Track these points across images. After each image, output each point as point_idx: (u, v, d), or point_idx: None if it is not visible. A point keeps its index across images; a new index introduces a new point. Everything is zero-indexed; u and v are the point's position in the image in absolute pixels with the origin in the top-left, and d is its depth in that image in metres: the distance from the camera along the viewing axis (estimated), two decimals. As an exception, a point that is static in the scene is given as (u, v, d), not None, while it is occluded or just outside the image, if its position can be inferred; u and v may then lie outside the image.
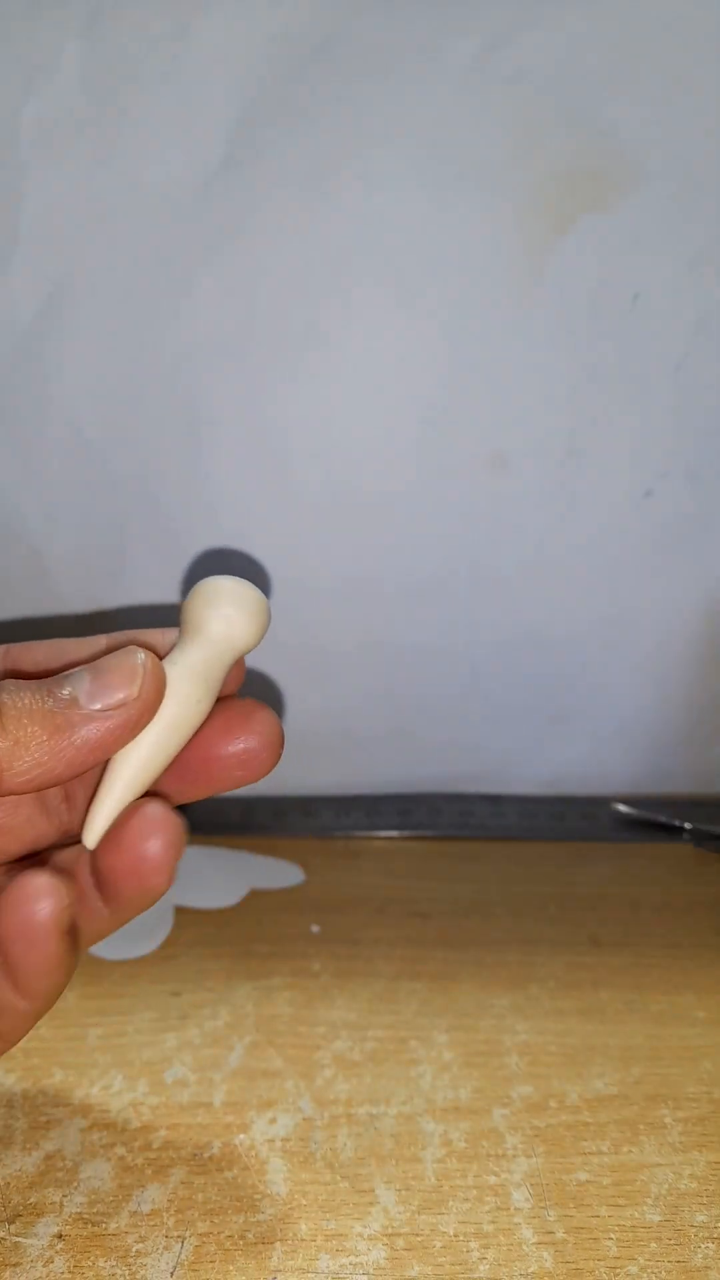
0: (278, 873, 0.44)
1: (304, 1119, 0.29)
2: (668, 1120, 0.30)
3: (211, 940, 0.39)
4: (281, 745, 0.27)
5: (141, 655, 0.24)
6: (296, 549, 0.39)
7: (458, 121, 0.33)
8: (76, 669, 0.25)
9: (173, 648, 0.26)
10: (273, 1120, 0.29)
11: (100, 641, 0.28)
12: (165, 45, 0.33)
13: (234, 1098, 0.30)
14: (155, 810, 0.25)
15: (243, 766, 0.26)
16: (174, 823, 0.25)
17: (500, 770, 0.48)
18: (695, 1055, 0.32)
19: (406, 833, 0.48)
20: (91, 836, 0.25)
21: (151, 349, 0.36)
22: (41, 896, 0.24)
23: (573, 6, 0.32)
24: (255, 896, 0.42)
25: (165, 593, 0.40)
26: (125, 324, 0.35)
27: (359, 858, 0.46)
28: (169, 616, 0.41)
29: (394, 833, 0.48)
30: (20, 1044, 0.32)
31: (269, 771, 0.26)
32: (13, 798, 0.27)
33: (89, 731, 0.23)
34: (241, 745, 0.26)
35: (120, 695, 0.24)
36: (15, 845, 0.28)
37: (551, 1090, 0.31)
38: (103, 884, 0.25)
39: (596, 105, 0.33)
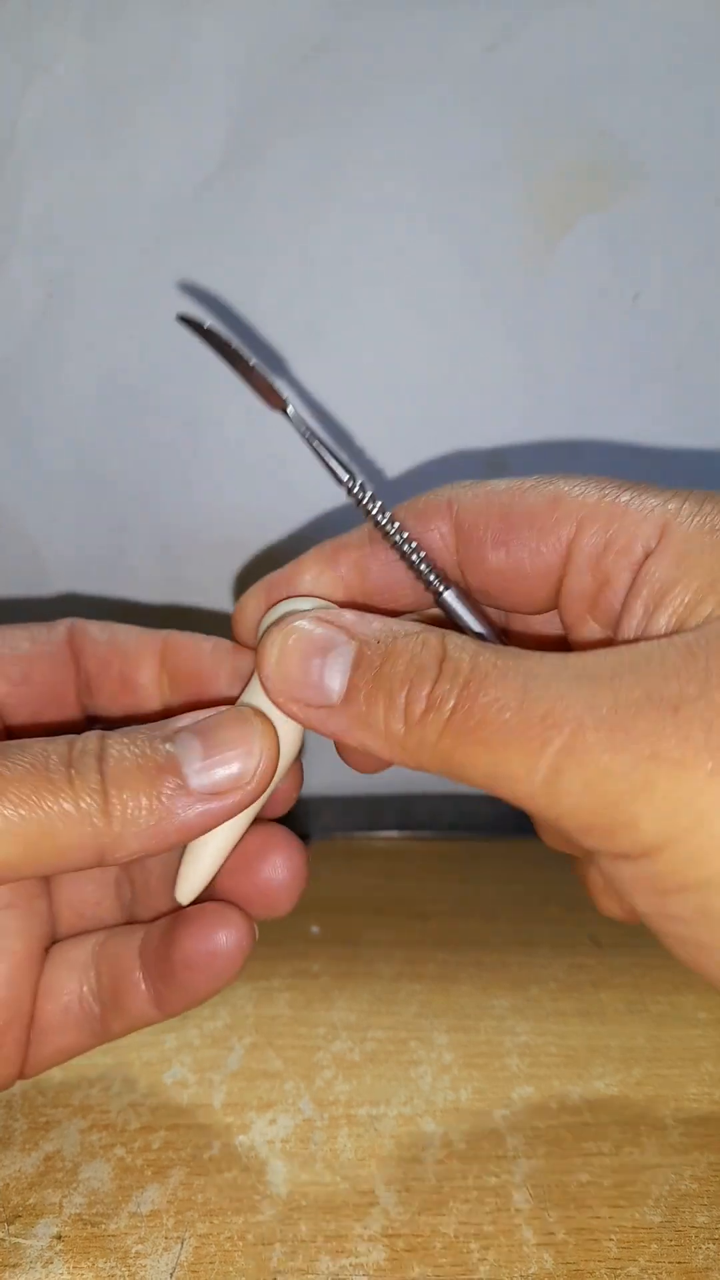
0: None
1: (304, 1120, 0.29)
2: (669, 1121, 0.29)
3: (211, 941, 0.39)
4: (304, 880, 0.26)
5: (258, 727, 0.22)
6: (296, 549, 0.39)
7: (458, 121, 0.33)
8: (185, 721, 0.22)
9: (248, 679, 0.24)
10: (273, 1121, 0.29)
11: (157, 640, 0.27)
12: (165, 45, 0.33)
13: (234, 1099, 0.30)
14: (277, 833, 0.26)
15: (264, 898, 0.26)
16: (297, 844, 0.26)
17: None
18: (696, 1056, 0.32)
19: (406, 833, 0.48)
20: (186, 894, 0.24)
21: (151, 347, 0.36)
22: (232, 928, 0.24)
23: (573, 6, 0.32)
24: (255, 897, 0.42)
25: (165, 593, 0.40)
26: (125, 322, 0.35)
27: (359, 858, 0.46)
28: (169, 617, 0.41)
29: (394, 833, 0.48)
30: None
31: (287, 911, 0.26)
32: (81, 875, 0.27)
33: (194, 815, 0.21)
34: (265, 875, 0.25)
35: (235, 771, 0.22)
36: (79, 922, 0.28)
37: (552, 1091, 0.31)
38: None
39: (597, 105, 0.33)
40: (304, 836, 0.47)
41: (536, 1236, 0.25)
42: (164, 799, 0.21)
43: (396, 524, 0.23)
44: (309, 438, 0.24)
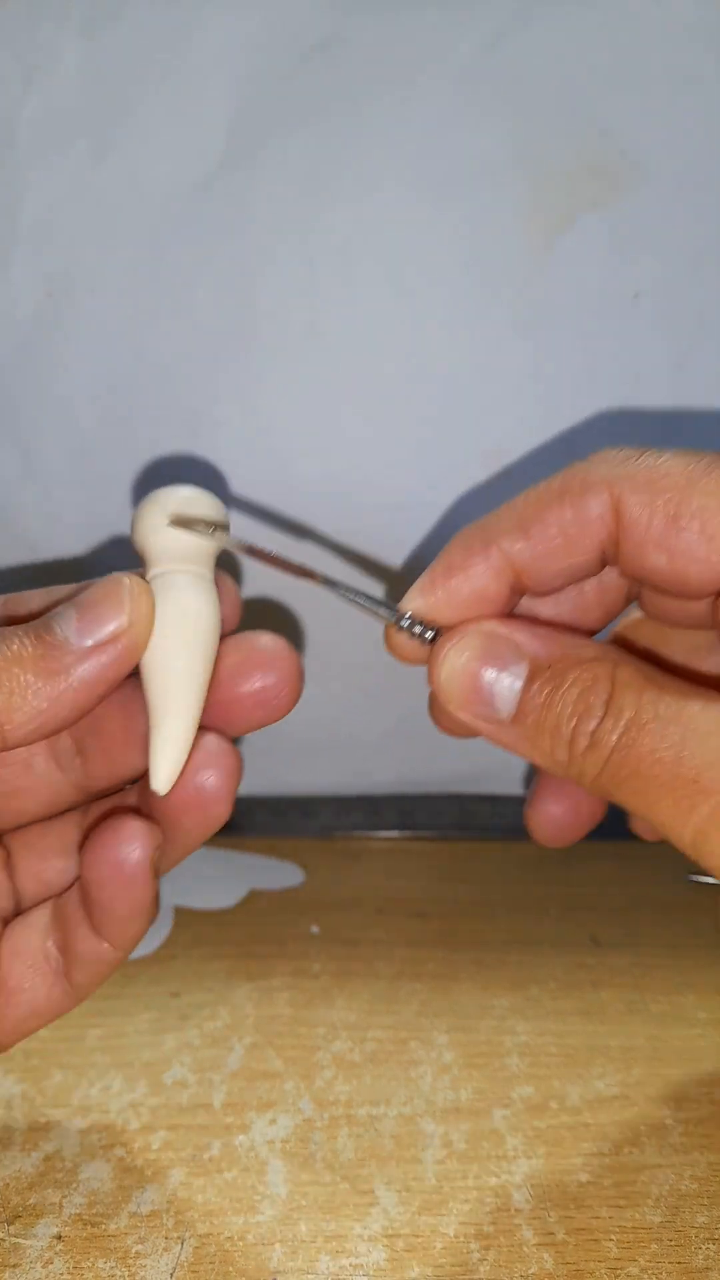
0: (277, 873, 0.44)
1: (304, 1120, 0.29)
2: (669, 1121, 0.29)
3: (211, 941, 0.39)
4: (301, 681, 0.25)
5: (125, 579, 0.23)
6: (296, 548, 0.39)
7: (458, 120, 0.33)
8: (60, 606, 0.23)
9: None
10: (273, 1121, 0.29)
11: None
12: (165, 44, 0.33)
13: (234, 1099, 0.30)
14: (211, 742, 0.24)
15: (262, 706, 0.25)
16: (230, 753, 0.24)
17: (500, 770, 0.48)
18: (696, 1056, 0.32)
19: (406, 833, 0.48)
20: (162, 781, 0.24)
21: (151, 348, 0.35)
22: (133, 839, 0.23)
23: (573, 6, 0.32)
24: (255, 897, 0.42)
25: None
26: (125, 323, 0.35)
27: (359, 858, 0.46)
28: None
29: (394, 833, 0.48)
30: (19, 1044, 0.32)
31: (289, 709, 0.25)
32: (23, 756, 0.27)
33: (85, 670, 0.22)
34: (259, 683, 0.25)
35: (111, 626, 0.22)
36: (34, 806, 0.27)
37: (552, 1091, 0.31)
38: (161, 819, 0.24)
39: (597, 104, 0.33)
40: (304, 837, 0.48)
41: (536, 1236, 0.25)
42: (46, 661, 0.22)
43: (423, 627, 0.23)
44: (350, 596, 0.24)
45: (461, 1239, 0.25)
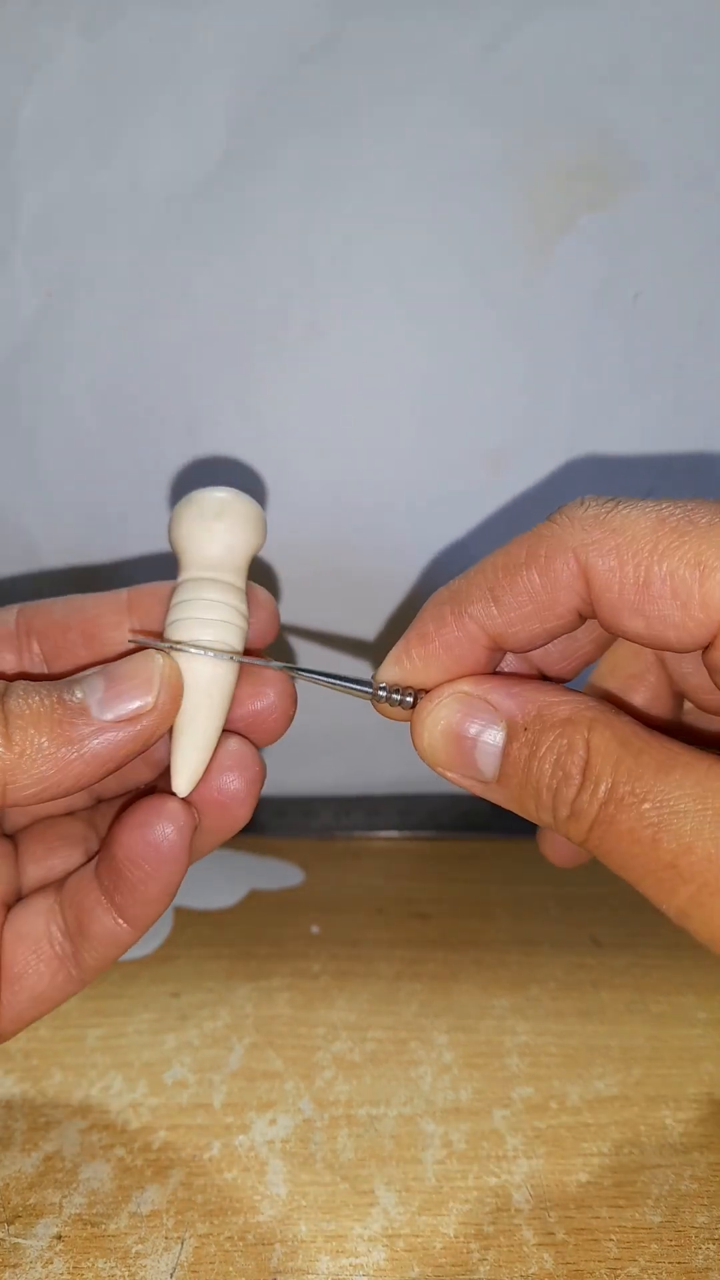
0: (277, 873, 0.44)
1: (304, 1120, 0.29)
2: (668, 1121, 0.29)
3: (211, 941, 0.39)
4: (294, 706, 0.26)
5: (159, 660, 0.23)
6: (296, 548, 0.39)
7: (457, 120, 0.33)
8: (90, 670, 0.23)
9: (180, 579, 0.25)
10: (272, 1121, 0.29)
11: (122, 597, 0.27)
12: (165, 44, 0.33)
13: (234, 1099, 0.30)
14: (235, 746, 0.25)
15: (253, 730, 0.26)
16: (254, 758, 0.25)
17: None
18: (696, 1056, 0.32)
19: (406, 833, 0.48)
20: (183, 783, 0.24)
21: (151, 347, 0.36)
22: (171, 818, 0.24)
23: (572, 6, 0.32)
24: (255, 897, 0.42)
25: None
26: (125, 322, 0.35)
27: (359, 858, 0.46)
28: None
29: (394, 833, 0.48)
30: (19, 1044, 0.32)
31: (282, 734, 0.26)
32: (51, 835, 0.27)
33: (98, 745, 0.22)
34: (257, 705, 0.25)
35: (135, 705, 0.22)
36: (49, 878, 0.27)
37: (552, 1091, 0.31)
38: None
39: (596, 104, 0.33)
40: (304, 837, 0.48)
41: (536, 1237, 0.25)
42: (65, 727, 0.22)
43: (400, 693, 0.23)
44: (329, 682, 0.25)
45: (461, 1239, 0.25)
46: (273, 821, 0.48)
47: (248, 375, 0.36)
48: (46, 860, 0.28)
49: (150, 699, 0.22)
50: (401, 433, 0.36)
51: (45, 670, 0.27)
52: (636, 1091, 0.31)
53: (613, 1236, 0.25)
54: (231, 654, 0.24)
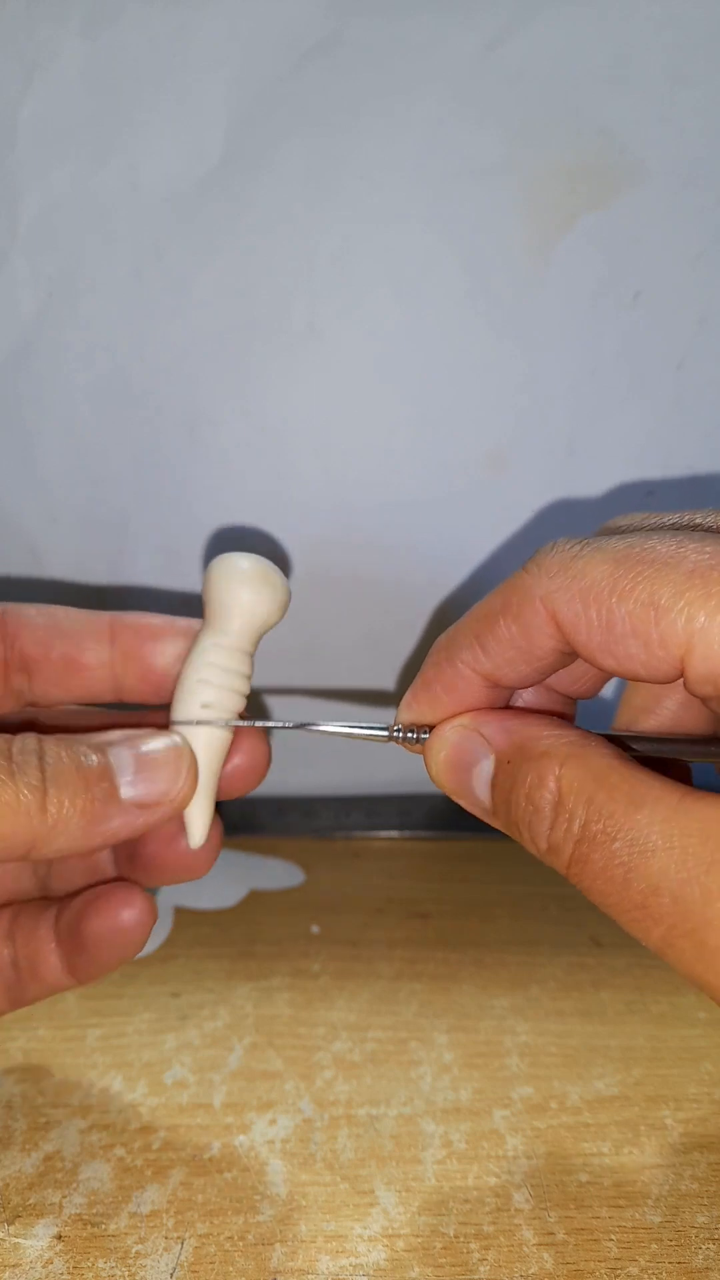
0: (278, 873, 0.44)
1: (304, 1120, 0.29)
2: (668, 1121, 0.29)
3: (211, 941, 0.39)
4: (267, 764, 0.28)
5: (186, 750, 0.25)
6: (296, 548, 0.39)
7: (458, 120, 0.33)
8: (116, 737, 0.24)
9: (200, 632, 0.26)
10: (273, 1121, 0.29)
11: (104, 622, 0.28)
12: (165, 44, 0.33)
13: (234, 1099, 0.30)
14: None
15: (228, 782, 0.27)
16: (217, 826, 0.27)
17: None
18: (696, 1056, 0.32)
19: (406, 833, 0.48)
20: (198, 838, 0.26)
21: (151, 348, 0.36)
22: (134, 904, 0.26)
23: (572, 6, 0.32)
24: (255, 897, 0.42)
25: (165, 594, 0.40)
26: (125, 323, 0.35)
27: (359, 858, 0.46)
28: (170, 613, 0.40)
29: (394, 833, 0.48)
30: (20, 1044, 0.32)
31: (255, 786, 0.28)
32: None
33: (118, 824, 0.23)
34: (231, 762, 0.27)
35: (161, 790, 0.24)
36: None
37: (552, 1091, 0.31)
38: (145, 873, 0.27)
39: (597, 103, 0.33)
40: (304, 837, 0.48)
41: (536, 1237, 0.25)
42: (96, 803, 0.23)
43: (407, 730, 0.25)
44: (348, 732, 0.26)
45: (461, 1239, 0.25)
46: (273, 821, 0.48)
47: (248, 375, 0.36)
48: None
49: (176, 789, 0.24)
50: (401, 432, 0.36)
51: (23, 675, 0.28)
52: (636, 1091, 0.31)
53: (613, 1236, 0.25)
54: (261, 723, 0.26)
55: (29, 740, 0.23)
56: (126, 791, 0.23)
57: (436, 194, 0.34)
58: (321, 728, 0.26)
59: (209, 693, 0.26)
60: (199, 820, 0.26)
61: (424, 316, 0.35)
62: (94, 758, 0.23)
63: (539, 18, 0.32)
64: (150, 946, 0.38)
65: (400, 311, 0.35)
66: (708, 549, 0.19)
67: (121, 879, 0.28)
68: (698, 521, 0.22)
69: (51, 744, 0.23)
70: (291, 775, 0.47)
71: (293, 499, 0.38)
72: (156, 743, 0.24)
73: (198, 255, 0.34)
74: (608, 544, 0.20)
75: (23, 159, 0.34)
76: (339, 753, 0.46)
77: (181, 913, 0.40)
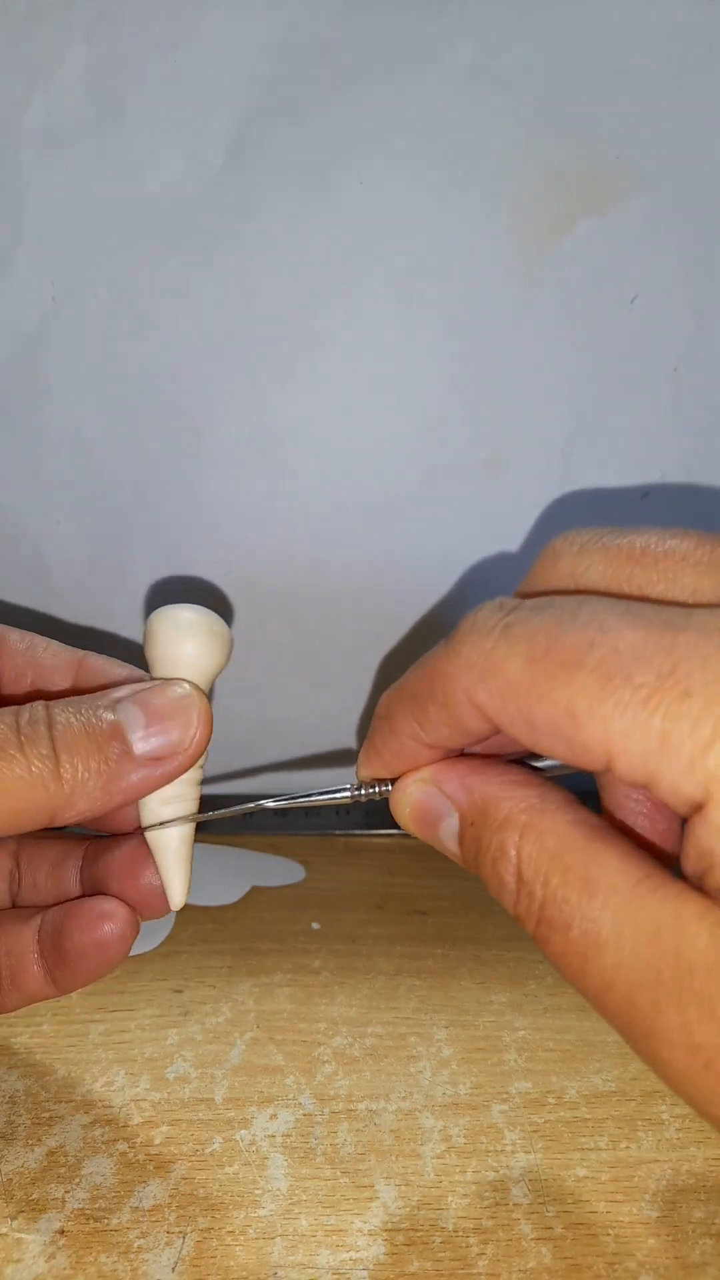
0: (279, 870, 0.44)
1: (304, 1115, 0.30)
2: (665, 1116, 0.30)
3: (213, 937, 0.39)
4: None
5: (196, 697, 0.24)
6: (296, 551, 0.39)
7: (457, 124, 0.33)
8: (124, 693, 0.24)
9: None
10: (273, 1116, 0.30)
11: (75, 661, 0.28)
12: (167, 48, 0.33)
13: (235, 1094, 0.30)
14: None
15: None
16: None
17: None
18: (693, 1052, 0.32)
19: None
20: (178, 900, 0.27)
21: (152, 350, 0.36)
22: (115, 917, 0.26)
23: (570, 11, 0.32)
24: (256, 894, 0.42)
25: (166, 595, 0.41)
26: (126, 325, 0.35)
27: (359, 855, 0.46)
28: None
29: (394, 830, 0.48)
30: (23, 1040, 0.32)
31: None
32: None
33: (139, 778, 0.23)
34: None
35: (175, 741, 0.24)
36: None
37: (550, 1086, 0.31)
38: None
39: (594, 108, 0.33)
40: (305, 835, 0.48)
41: (535, 1231, 0.26)
42: (110, 763, 0.23)
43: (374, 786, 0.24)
44: (307, 800, 0.26)
45: (460, 1233, 0.25)
46: (274, 820, 0.48)
47: (249, 377, 0.36)
48: None
49: (189, 736, 0.24)
50: (400, 434, 0.37)
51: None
52: (634, 1086, 0.31)
53: (610, 1231, 0.26)
54: (222, 811, 0.27)
55: (37, 709, 0.23)
56: (140, 747, 0.23)
57: (436, 198, 0.34)
58: (277, 804, 0.26)
59: (169, 788, 0.25)
60: (179, 883, 0.27)
61: (423, 320, 0.35)
62: (105, 715, 0.23)
63: (538, 20, 0.32)
64: (153, 943, 0.38)
65: (400, 315, 0.35)
66: (625, 638, 0.18)
67: (100, 894, 0.28)
68: (637, 547, 0.21)
69: (59, 709, 0.23)
70: (292, 775, 0.47)
71: (293, 502, 0.38)
72: (166, 694, 0.24)
73: (199, 258, 0.35)
74: (526, 626, 0.19)
75: (26, 162, 0.34)
76: (339, 752, 0.47)
77: (184, 909, 0.41)
